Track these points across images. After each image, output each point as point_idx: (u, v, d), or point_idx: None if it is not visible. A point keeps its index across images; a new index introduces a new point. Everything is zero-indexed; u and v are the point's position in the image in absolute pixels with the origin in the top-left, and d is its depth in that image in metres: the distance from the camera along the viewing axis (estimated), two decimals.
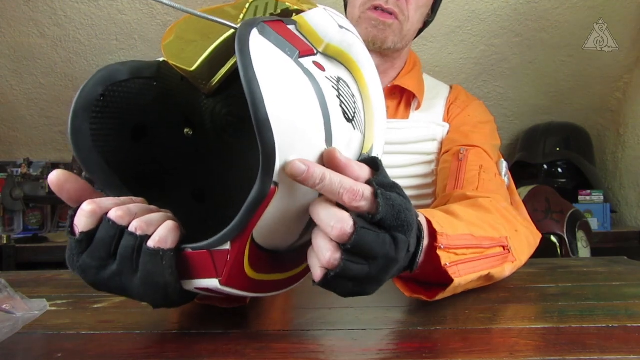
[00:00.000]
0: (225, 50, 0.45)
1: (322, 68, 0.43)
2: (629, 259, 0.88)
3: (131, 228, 0.40)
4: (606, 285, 0.67)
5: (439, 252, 0.51)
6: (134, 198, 0.44)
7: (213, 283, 0.41)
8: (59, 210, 2.28)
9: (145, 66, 0.48)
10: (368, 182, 0.40)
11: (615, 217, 2.21)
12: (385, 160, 0.91)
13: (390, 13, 0.87)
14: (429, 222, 0.51)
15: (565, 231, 1.71)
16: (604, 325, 0.46)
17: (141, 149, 0.50)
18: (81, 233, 0.40)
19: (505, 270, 0.62)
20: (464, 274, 0.53)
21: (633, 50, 2.02)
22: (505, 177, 0.87)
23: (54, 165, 2.33)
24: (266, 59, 0.37)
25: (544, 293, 0.62)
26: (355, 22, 0.90)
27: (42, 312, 0.47)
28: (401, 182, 1.01)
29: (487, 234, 0.61)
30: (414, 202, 1.02)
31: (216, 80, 0.47)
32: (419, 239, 0.46)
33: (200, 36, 0.45)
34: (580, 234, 1.75)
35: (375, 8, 0.87)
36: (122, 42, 2.00)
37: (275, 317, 0.55)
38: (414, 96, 0.95)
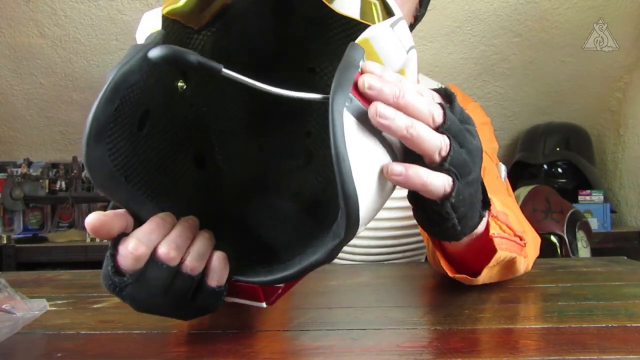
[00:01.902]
0: None
1: None
2: (629, 259, 0.88)
3: (185, 269, 0.40)
4: (606, 285, 0.67)
5: (490, 219, 0.50)
6: (165, 217, 0.42)
7: (258, 304, 0.44)
8: (59, 210, 2.28)
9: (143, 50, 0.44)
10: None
11: (615, 217, 2.21)
12: None
13: None
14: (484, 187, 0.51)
15: (565, 231, 1.72)
16: (603, 325, 0.46)
17: (145, 138, 0.47)
18: (130, 275, 0.39)
19: (522, 263, 0.61)
20: (504, 249, 0.53)
21: (633, 50, 2.02)
22: (504, 182, 0.87)
23: (54, 165, 2.33)
24: (354, 139, 0.36)
25: (544, 293, 0.62)
26: None
27: (42, 312, 0.47)
28: None
29: (513, 222, 0.59)
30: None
31: (208, 14, 0.46)
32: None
33: None
34: (580, 234, 1.75)
35: None
36: (122, 42, 2.00)
37: (275, 317, 0.55)
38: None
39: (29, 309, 0.46)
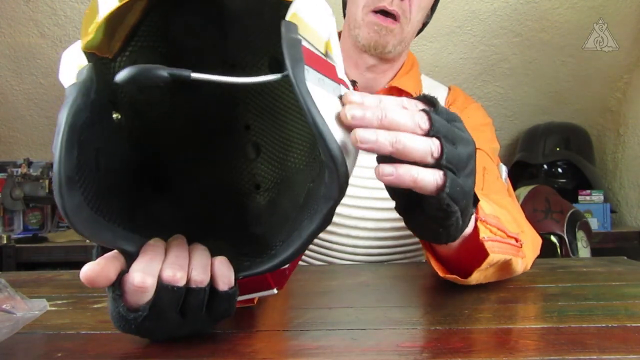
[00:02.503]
0: (118, 14, 0.43)
1: (343, 82, 0.44)
2: (629, 259, 0.88)
3: (195, 284, 0.40)
4: (606, 285, 0.67)
5: (479, 223, 0.51)
6: (155, 243, 0.42)
7: (270, 292, 0.46)
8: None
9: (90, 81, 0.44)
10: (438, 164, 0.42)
11: (615, 217, 2.21)
12: None
13: (394, 16, 0.86)
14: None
15: (565, 231, 1.72)
16: (603, 325, 0.46)
17: (104, 176, 0.47)
18: (143, 307, 0.39)
19: (518, 264, 0.61)
20: (497, 252, 0.53)
21: (633, 50, 2.02)
22: (505, 182, 0.87)
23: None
24: (322, 104, 0.38)
25: (544, 293, 0.62)
26: (357, 25, 0.90)
27: (42, 312, 0.47)
28: None
29: (506, 223, 0.60)
30: None
31: (118, 41, 0.46)
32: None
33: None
34: (580, 234, 1.75)
35: (378, 11, 0.86)
36: None
37: (275, 317, 0.55)
38: (411, 97, 0.95)
39: (29, 309, 0.46)
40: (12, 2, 1.86)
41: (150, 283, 0.39)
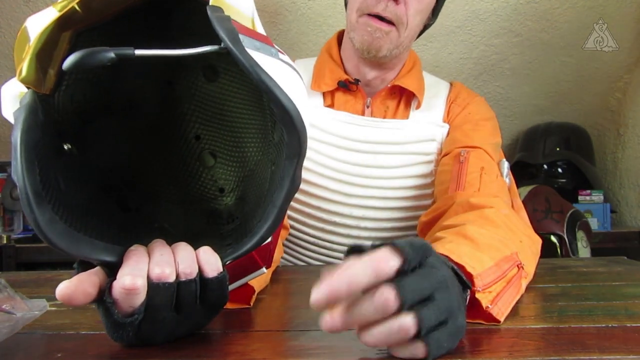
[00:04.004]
0: (45, 51, 0.44)
1: (281, 52, 0.45)
2: (629, 259, 0.88)
3: (184, 277, 0.41)
4: (606, 285, 0.67)
5: (477, 295, 0.48)
6: (137, 247, 0.42)
7: (260, 272, 0.47)
8: None
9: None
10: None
11: (615, 217, 2.21)
12: (385, 161, 0.92)
13: (389, 21, 0.85)
14: (461, 267, 0.49)
15: (565, 231, 1.71)
16: (603, 325, 0.46)
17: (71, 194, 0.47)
18: (139, 310, 0.39)
19: (523, 288, 0.59)
20: (504, 310, 0.51)
21: (633, 50, 2.02)
22: (507, 178, 0.87)
23: None
24: (270, 69, 0.39)
25: (544, 293, 0.62)
26: (352, 27, 0.90)
27: (42, 312, 0.47)
28: (401, 182, 1.01)
29: (502, 254, 0.57)
30: (413, 203, 1.01)
31: (52, 77, 0.45)
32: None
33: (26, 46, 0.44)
34: (580, 234, 1.75)
35: (373, 15, 0.85)
36: None
37: (276, 317, 0.55)
38: (413, 95, 0.95)
39: (29, 309, 0.46)
40: (12, 2, 1.85)
41: (141, 283, 0.39)
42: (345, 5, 0.97)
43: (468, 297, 0.48)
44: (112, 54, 0.39)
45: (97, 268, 0.41)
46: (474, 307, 0.49)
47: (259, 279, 0.59)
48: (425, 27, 0.98)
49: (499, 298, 0.51)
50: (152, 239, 0.44)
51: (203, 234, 0.54)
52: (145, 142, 0.57)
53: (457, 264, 0.48)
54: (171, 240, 0.45)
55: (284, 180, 0.41)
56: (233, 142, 0.58)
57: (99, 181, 0.51)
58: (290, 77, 0.42)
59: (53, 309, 0.57)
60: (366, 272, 0.36)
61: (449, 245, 0.53)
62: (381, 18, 0.85)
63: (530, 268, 0.64)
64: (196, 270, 0.41)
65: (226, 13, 0.42)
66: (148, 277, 0.39)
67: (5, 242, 1.95)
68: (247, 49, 0.39)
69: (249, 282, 0.53)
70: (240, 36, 0.40)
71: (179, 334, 0.44)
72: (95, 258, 0.40)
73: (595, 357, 0.38)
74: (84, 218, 0.43)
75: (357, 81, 0.93)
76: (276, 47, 0.45)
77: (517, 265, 0.58)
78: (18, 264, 1.92)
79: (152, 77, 0.56)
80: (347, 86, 0.94)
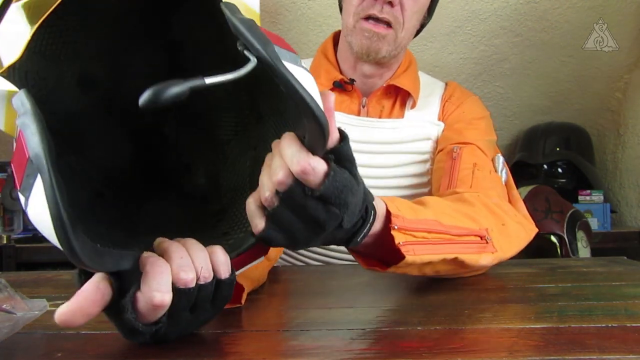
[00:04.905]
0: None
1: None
2: (629, 259, 0.88)
3: (204, 281, 0.41)
4: (606, 285, 0.67)
5: (393, 232, 0.52)
6: (153, 255, 0.41)
7: (259, 260, 0.48)
8: None
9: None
10: (326, 157, 0.41)
11: (615, 217, 2.21)
12: (381, 160, 0.92)
13: (385, 22, 0.86)
14: (386, 206, 0.53)
15: (565, 231, 1.71)
16: (603, 325, 0.46)
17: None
18: (162, 320, 0.40)
19: (482, 259, 0.63)
20: (419, 254, 0.55)
21: (633, 50, 2.02)
22: (503, 172, 0.87)
23: None
24: (302, 81, 0.38)
25: (544, 293, 0.62)
26: (349, 32, 0.90)
27: (42, 312, 0.47)
28: (396, 182, 1.02)
29: (461, 223, 0.62)
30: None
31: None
32: (364, 220, 0.49)
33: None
34: (580, 234, 1.75)
35: (369, 17, 0.86)
36: None
37: (275, 317, 0.55)
38: (409, 95, 0.95)
39: (29, 309, 0.46)
40: None
41: (169, 299, 0.39)
42: (340, 9, 0.97)
43: (368, 229, 0.50)
44: (185, 89, 0.37)
45: (99, 279, 0.39)
46: (388, 243, 0.53)
47: (253, 278, 0.61)
48: (422, 26, 0.98)
49: (422, 244, 0.55)
50: (151, 238, 0.44)
51: (196, 225, 0.53)
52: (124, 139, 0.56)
53: (385, 204, 0.53)
54: (168, 237, 0.45)
55: None
56: (210, 148, 0.58)
57: (93, 185, 0.51)
58: (315, 87, 0.41)
59: (53, 309, 0.57)
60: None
61: (390, 198, 0.56)
62: (377, 19, 0.86)
63: (505, 247, 0.67)
64: (213, 273, 0.42)
65: (241, 11, 0.40)
66: (172, 284, 0.39)
67: (5, 242, 1.95)
68: (284, 63, 0.37)
69: (238, 281, 0.53)
70: (276, 48, 0.38)
71: (188, 332, 0.44)
72: (117, 269, 0.39)
73: (595, 357, 0.38)
74: (91, 226, 0.43)
75: (352, 81, 0.94)
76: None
77: (480, 237, 0.63)
78: (18, 264, 1.92)
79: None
80: (342, 86, 0.94)
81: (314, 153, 0.40)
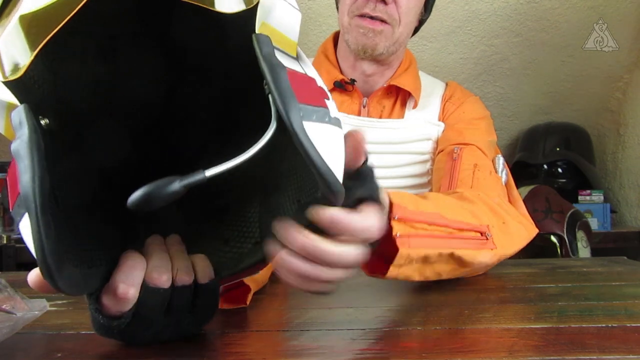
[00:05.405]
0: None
1: (327, 95, 0.42)
2: (629, 259, 0.88)
3: (180, 283, 0.41)
4: (606, 285, 0.67)
5: (392, 222, 0.52)
6: (131, 253, 0.41)
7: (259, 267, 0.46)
8: None
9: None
10: None
11: (615, 217, 2.21)
12: (381, 160, 0.92)
13: (380, 20, 0.86)
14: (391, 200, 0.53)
15: (565, 231, 1.71)
16: (603, 325, 0.46)
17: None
18: (126, 315, 0.39)
19: (482, 255, 0.62)
20: (414, 247, 0.53)
21: (633, 50, 2.02)
22: (503, 173, 0.87)
23: None
24: (320, 142, 0.35)
25: (544, 293, 0.62)
26: (345, 30, 0.90)
27: (42, 312, 0.47)
28: (396, 182, 1.02)
29: (462, 218, 0.61)
30: None
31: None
32: None
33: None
34: (580, 234, 1.75)
35: (363, 15, 0.86)
36: None
37: (275, 317, 0.55)
38: (409, 95, 0.95)
39: (29, 309, 0.46)
40: None
41: (132, 294, 0.38)
42: (337, 8, 0.97)
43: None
44: (181, 187, 0.35)
45: None
46: (388, 236, 0.51)
47: (258, 280, 0.60)
48: (421, 23, 0.98)
49: (420, 237, 0.54)
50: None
51: (202, 233, 0.53)
52: (141, 143, 0.56)
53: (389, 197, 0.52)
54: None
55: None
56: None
57: (94, 185, 0.50)
58: (339, 143, 0.38)
59: (53, 309, 0.57)
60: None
61: (395, 192, 0.55)
62: (372, 17, 0.86)
63: (506, 245, 0.66)
64: (192, 278, 0.42)
65: (274, 42, 0.37)
66: (144, 281, 0.39)
67: (5, 242, 1.95)
68: (304, 123, 0.34)
69: (245, 281, 0.53)
70: (299, 106, 0.34)
71: (164, 338, 0.43)
72: (100, 286, 0.39)
73: (595, 357, 0.38)
74: (90, 226, 0.42)
75: (353, 81, 0.94)
76: (319, 83, 0.40)
77: (480, 232, 0.61)
78: (18, 264, 1.92)
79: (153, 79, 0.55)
80: (343, 87, 0.94)
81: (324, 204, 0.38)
